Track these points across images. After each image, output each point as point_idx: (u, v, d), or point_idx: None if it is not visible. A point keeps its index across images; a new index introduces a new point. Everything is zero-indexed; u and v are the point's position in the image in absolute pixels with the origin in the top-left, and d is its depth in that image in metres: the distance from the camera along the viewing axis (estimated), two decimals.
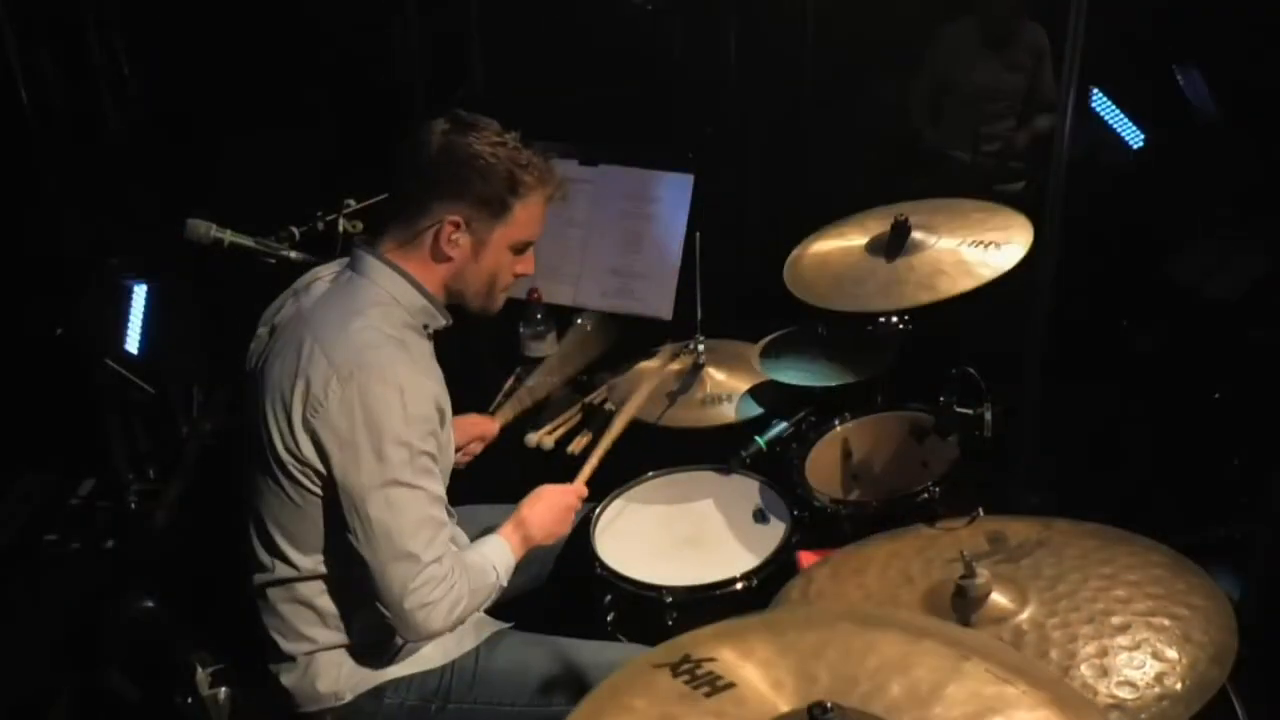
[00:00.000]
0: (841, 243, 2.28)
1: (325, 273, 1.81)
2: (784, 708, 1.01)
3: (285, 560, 1.73)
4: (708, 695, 1.03)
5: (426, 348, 1.79)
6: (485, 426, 2.24)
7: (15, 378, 2.77)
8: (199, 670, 1.87)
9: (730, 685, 1.04)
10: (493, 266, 1.77)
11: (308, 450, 1.63)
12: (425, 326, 1.78)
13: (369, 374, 1.61)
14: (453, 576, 1.67)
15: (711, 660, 1.07)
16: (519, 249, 1.79)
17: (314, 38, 3.12)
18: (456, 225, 1.71)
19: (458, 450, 2.09)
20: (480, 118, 1.74)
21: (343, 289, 1.74)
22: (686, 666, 1.07)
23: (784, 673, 1.05)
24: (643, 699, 1.04)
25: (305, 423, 1.62)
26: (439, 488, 1.71)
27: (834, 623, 1.16)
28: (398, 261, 1.73)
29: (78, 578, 2.70)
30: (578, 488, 1.98)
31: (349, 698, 1.76)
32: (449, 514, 1.76)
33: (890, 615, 1.29)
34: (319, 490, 1.66)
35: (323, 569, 1.73)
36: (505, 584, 1.80)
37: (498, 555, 1.80)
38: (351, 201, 2.27)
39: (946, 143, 3.77)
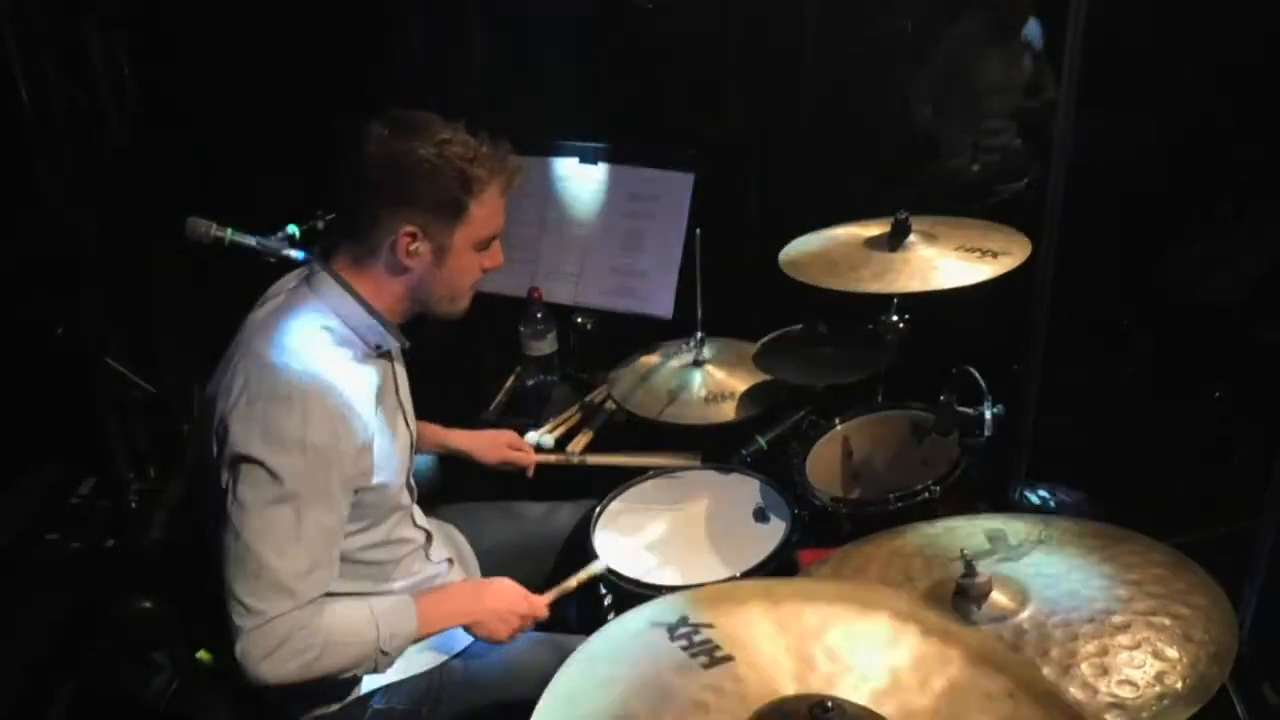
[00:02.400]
0: (841, 236, 2.29)
1: (290, 282, 1.75)
2: (781, 689, 1.00)
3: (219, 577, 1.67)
4: (705, 666, 1.02)
5: (369, 370, 1.68)
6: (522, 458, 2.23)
7: (15, 377, 2.77)
8: (198, 669, 1.86)
9: (729, 658, 1.03)
10: (458, 270, 1.69)
11: (228, 453, 1.55)
12: (377, 347, 1.71)
13: (277, 392, 1.54)
14: (305, 630, 1.53)
15: (710, 626, 1.06)
16: (483, 246, 1.71)
17: (314, 37, 3.12)
18: (413, 235, 1.62)
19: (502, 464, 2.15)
20: (420, 115, 1.64)
21: (289, 303, 1.67)
22: (684, 630, 1.05)
23: (782, 650, 1.04)
24: (641, 661, 1.03)
25: (217, 436, 1.56)
26: (331, 520, 1.58)
27: (834, 601, 1.14)
28: (349, 278, 1.66)
29: (78, 577, 2.70)
30: (539, 607, 1.81)
31: (335, 706, 1.74)
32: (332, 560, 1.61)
33: (889, 595, 1.28)
34: None
35: None
36: (389, 651, 1.62)
37: (392, 619, 1.63)
38: None
39: (948, 139, 3.77)
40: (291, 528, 1.53)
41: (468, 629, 1.76)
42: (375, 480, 1.66)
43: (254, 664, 1.51)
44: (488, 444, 2.20)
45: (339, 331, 1.65)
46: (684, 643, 1.04)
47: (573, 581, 1.89)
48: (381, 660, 1.63)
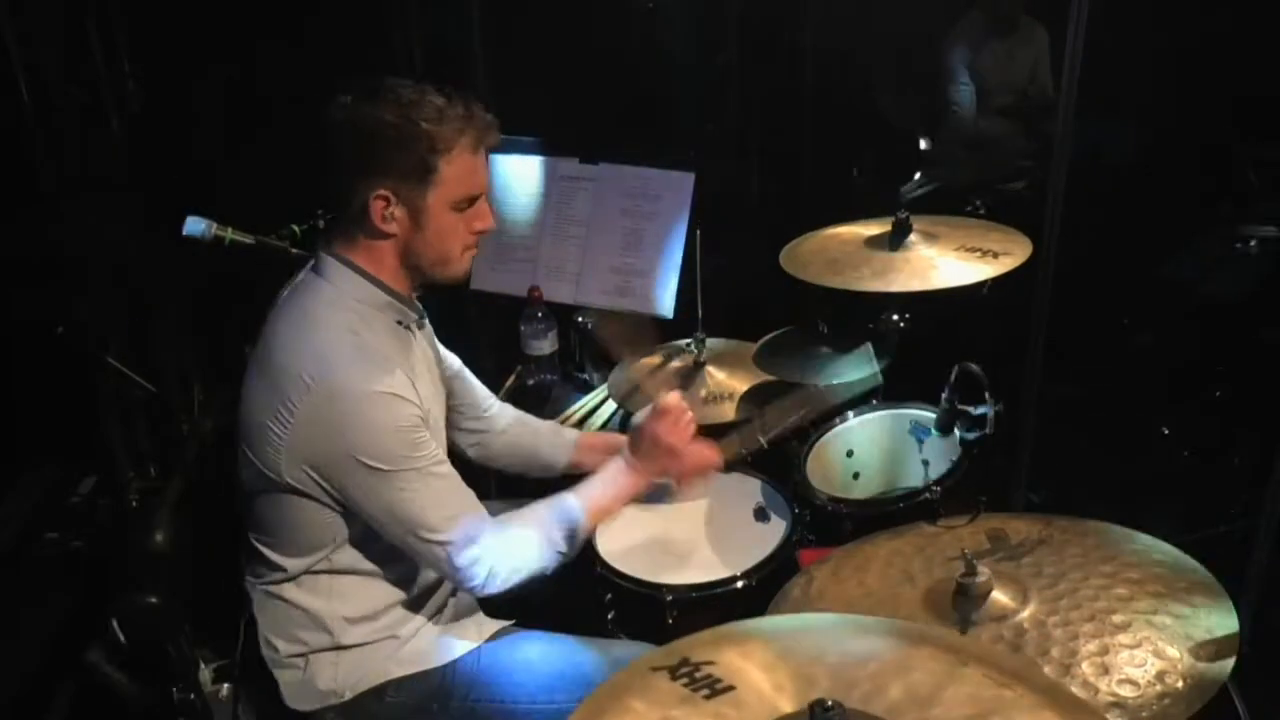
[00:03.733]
0: (841, 235, 2.29)
1: (300, 276, 1.78)
2: (784, 709, 1.01)
3: (273, 564, 1.73)
4: (707, 697, 1.04)
5: (398, 344, 1.73)
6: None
7: (16, 376, 2.77)
8: (202, 668, 1.86)
9: (730, 688, 1.04)
10: (439, 232, 1.69)
11: (285, 462, 1.63)
12: (397, 321, 1.75)
13: (330, 383, 1.58)
14: (493, 550, 1.69)
15: (711, 663, 1.08)
16: (462, 207, 1.69)
17: (314, 36, 3.12)
18: (386, 200, 1.64)
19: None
20: (388, 80, 1.64)
21: (300, 293, 1.71)
22: (686, 669, 1.07)
23: (784, 675, 1.05)
24: (642, 701, 1.04)
25: (278, 437, 1.61)
26: (441, 465, 1.70)
27: (833, 627, 1.16)
28: (348, 254, 1.69)
29: (78, 577, 2.70)
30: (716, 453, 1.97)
31: (348, 696, 1.75)
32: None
33: (888, 622, 1.30)
34: (302, 497, 1.66)
35: (312, 572, 1.73)
36: (570, 549, 1.79)
37: (560, 517, 1.79)
38: None
39: (948, 138, 3.78)
40: (411, 493, 1.63)
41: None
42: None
43: (481, 584, 1.70)
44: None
45: (360, 312, 1.69)
46: (685, 680, 1.06)
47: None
48: (565, 556, 1.79)
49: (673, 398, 1.93)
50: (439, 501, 1.68)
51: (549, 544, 1.77)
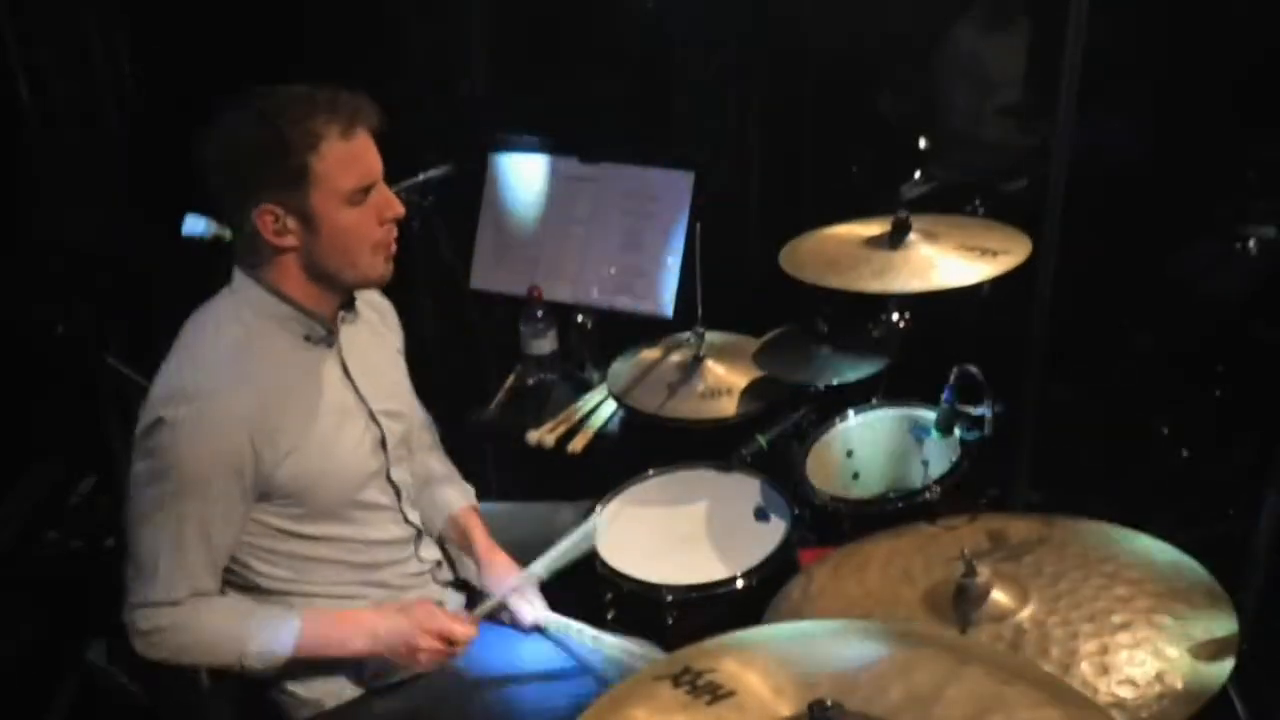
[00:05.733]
0: (841, 235, 2.29)
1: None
2: (785, 712, 1.02)
3: (232, 573, 1.70)
4: (709, 703, 1.04)
5: (293, 364, 1.66)
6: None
7: (16, 376, 2.77)
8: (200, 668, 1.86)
9: (731, 693, 1.05)
10: (338, 231, 1.58)
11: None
12: (306, 337, 1.68)
13: (169, 394, 1.56)
14: (172, 631, 1.60)
15: (712, 670, 1.08)
16: (356, 199, 1.58)
17: (314, 36, 3.12)
18: (273, 215, 1.55)
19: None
20: (252, 91, 1.57)
21: (205, 307, 1.68)
22: (687, 677, 1.08)
23: (784, 680, 1.06)
24: (644, 709, 1.05)
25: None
26: (207, 513, 1.57)
27: (834, 633, 1.17)
28: (255, 270, 1.63)
29: (78, 577, 2.70)
30: (462, 631, 1.73)
31: (330, 704, 1.74)
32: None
33: (888, 625, 1.30)
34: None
35: (270, 589, 1.71)
36: (250, 666, 1.63)
37: (267, 636, 1.63)
38: None
39: (948, 137, 3.78)
40: (164, 518, 1.56)
41: (376, 656, 1.71)
42: (295, 478, 1.63)
43: (132, 636, 1.62)
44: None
45: (256, 328, 1.63)
46: (687, 688, 1.07)
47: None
48: (247, 669, 1.64)
49: (466, 633, 1.74)
50: (149, 551, 1.58)
51: (237, 653, 1.63)
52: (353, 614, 1.73)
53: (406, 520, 1.85)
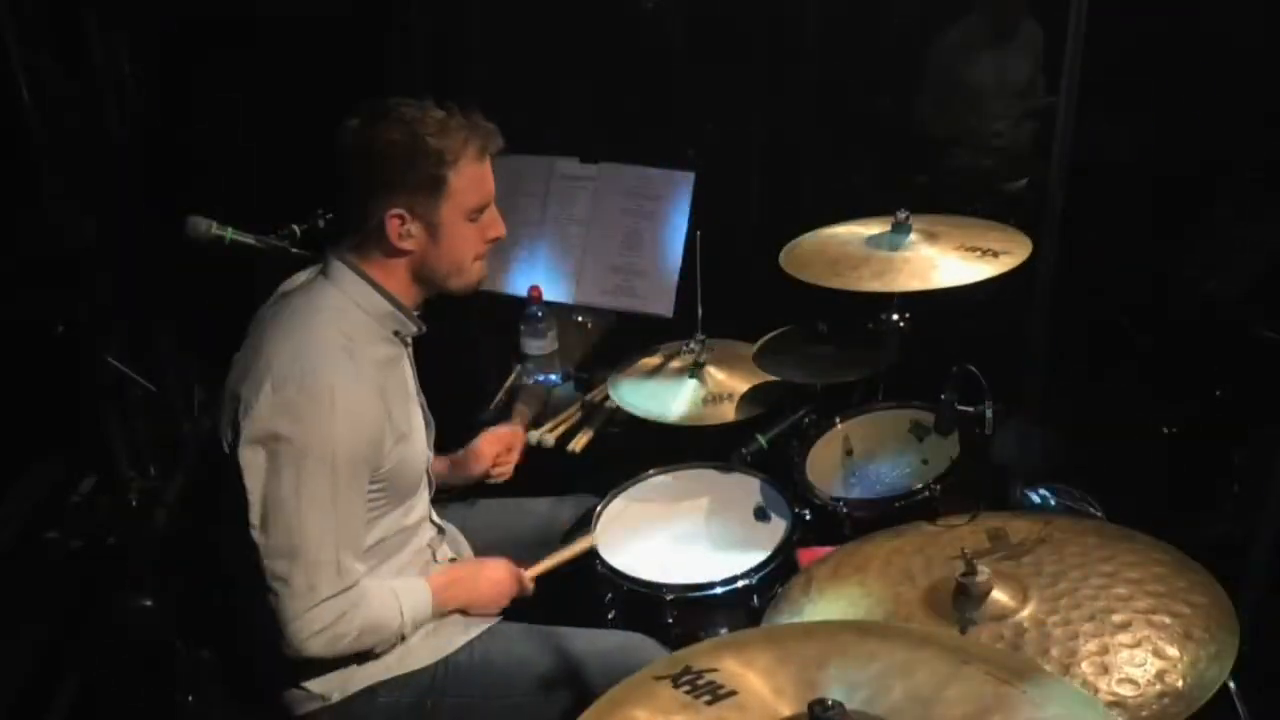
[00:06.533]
0: (841, 235, 2.29)
1: (303, 276, 1.80)
2: (785, 712, 1.02)
3: (253, 565, 1.69)
4: (709, 703, 1.04)
5: (387, 356, 1.75)
6: (512, 438, 2.19)
7: (16, 375, 2.77)
8: (199, 668, 1.86)
9: (732, 693, 1.05)
10: (454, 243, 1.73)
11: (242, 444, 1.61)
12: (396, 334, 1.76)
13: (301, 380, 1.58)
14: (352, 612, 1.64)
15: (713, 670, 1.08)
16: (475, 216, 1.74)
17: (314, 35, 3.12)
18: (401, 218, 1.68)
19: (493, 468, 2.12)
20: (389, 100, 1.68)
21: (306, 294, 1.73)
22: (688, 678, 1.08)
23: (785, 679, 1.06)
24: (644, 709, 1.05)
25: (238, 425, 1.60)
26: (359, 503, 1.66)
27: (835, 633, 1.17)
28: (360, 264, 1.71)
29: (78, 576, 2.70)
30: (527, 580, 1.92)
31: (336, 698, 1.75)
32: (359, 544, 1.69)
33: (889, 625, 1.30)
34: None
35: None
36: (409, 635, 1.74)
37: (412, 603, 1.74)
38: None
39: (948, 139, 3.77)
40: (329, 504, 1.59)
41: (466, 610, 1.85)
42: (395, 464, 1.71)
43: (301, 641, 1.60)
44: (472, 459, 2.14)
45: (360, 320, 1.70)
46: (687, 688, 1.07)
47: (565, 553, 1.98)
48: (399, 643, 1.73)
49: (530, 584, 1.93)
50: (320, 539, 1.60)
51: (397, 624, 1.72)
52: (451, 575, 1.85)
53: (431, 519, 1.94)
